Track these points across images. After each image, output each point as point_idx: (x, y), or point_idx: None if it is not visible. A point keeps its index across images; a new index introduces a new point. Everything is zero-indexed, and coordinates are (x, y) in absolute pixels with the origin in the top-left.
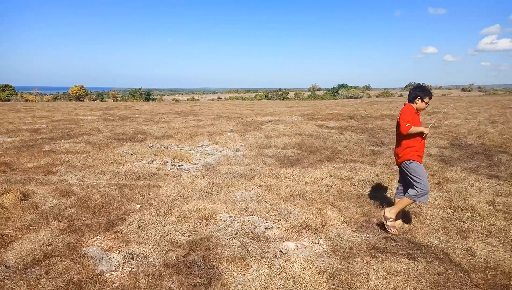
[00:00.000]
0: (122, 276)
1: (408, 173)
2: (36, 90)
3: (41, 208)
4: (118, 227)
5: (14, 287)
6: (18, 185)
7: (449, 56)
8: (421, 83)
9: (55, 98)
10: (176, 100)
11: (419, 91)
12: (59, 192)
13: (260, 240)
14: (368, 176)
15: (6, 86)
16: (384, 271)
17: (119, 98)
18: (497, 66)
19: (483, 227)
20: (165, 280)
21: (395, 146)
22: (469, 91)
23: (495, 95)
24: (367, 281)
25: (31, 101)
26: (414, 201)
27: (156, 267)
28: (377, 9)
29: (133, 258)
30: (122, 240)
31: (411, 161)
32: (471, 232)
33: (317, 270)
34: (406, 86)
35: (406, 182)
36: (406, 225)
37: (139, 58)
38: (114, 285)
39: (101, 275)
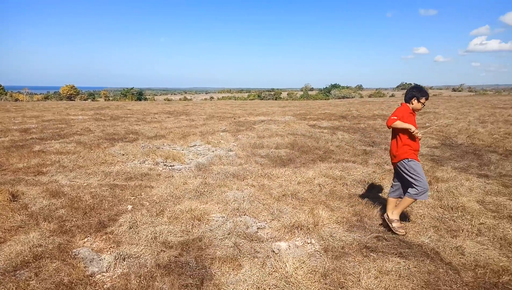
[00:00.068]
0: (113, 277)
1: (406, 172)
2: (26, 90)
3: (31, 209)
4: (109, 228)
5: None
6: (8, 186)
7: (440, 56)
8: (413, 84)
9: (46, 98)
10: (169, 100)
11: (415, 92)
12: (50, 192)
13: (252, 240)
14: (360, 175)
15: None
16: (375, 270)
17: (110, 98)
18: (487, 67)
19: (473, 226)
20: (157, 281)
21: (390, 146)
22: (460, 91)
23: (485, 95)
24: (359, 280)
25: (21, 100)
26: (415, 200)
27: (147, 268)
28: (369, 10)
29: (124, 259)
30: (113, 241)
31: (409, 159)
32: (461, 231)
33: (309, 270)
34: (397, 86)
35: (404, 182)
36: None
37: (131, 58)
38: (105, 286)
39: (92, 277)
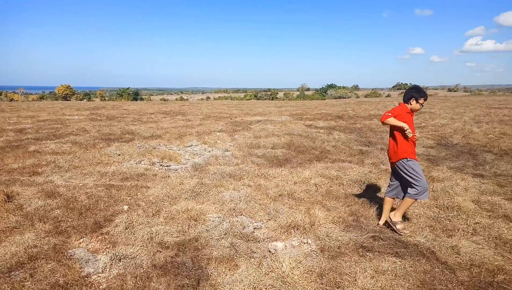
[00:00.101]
0: (109, 278)
1: (405, 172)
2: (21, 90)
3: (26, 209)
4: (105, 229)
5: None
6: (2, 187)
7: (435, 56)
8: (409, 84)
9: (41, 98)
10: (165, 100)
11: (414, 92)
12: (45, 193)
13: (249, 240)
14: (356, 175)
15: None
16: (372, 270)
17: (106, 98)
18: (482, 67)
19: (469, 225)
20: (153, 282)
21: (388, 146)
22: (455, 91)
23: (480, 96)
24: (355, 280)
25: (16, 100)
26: (416, 199)
27: (143, 268)
28: (365, 10)
29: (120, 259)
30: (109, 241)
31: (408, 159)
32: (456, 231)
33: (305, 270)
34: (393, 87)
35: (403, 181)
36: None
37: (127, 57)
38: (101, 287)
39: (87, 277)
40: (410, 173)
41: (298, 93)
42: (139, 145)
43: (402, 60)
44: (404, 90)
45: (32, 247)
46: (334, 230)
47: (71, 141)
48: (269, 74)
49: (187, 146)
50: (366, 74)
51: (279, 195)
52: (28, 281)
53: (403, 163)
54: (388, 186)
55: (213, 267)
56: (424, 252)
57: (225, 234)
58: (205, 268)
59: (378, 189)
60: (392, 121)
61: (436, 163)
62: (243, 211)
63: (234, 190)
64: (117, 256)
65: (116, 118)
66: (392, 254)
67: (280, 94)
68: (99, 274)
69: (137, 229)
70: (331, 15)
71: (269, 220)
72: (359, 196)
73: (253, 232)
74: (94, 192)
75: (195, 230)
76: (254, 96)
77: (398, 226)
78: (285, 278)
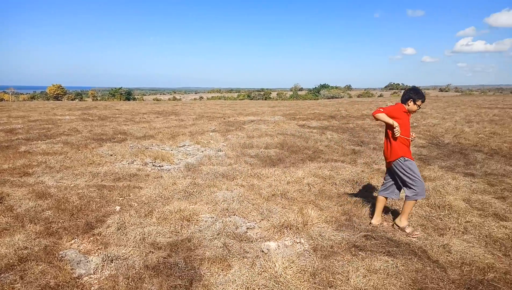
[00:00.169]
0: (101, 279)
1: (402, 172)
2: (11, 90)
3: (16, 211)
4: (97, 229)
5: None
6: None
7: (427, 57)
8: (401, 84)
9: (32, 98)
10: (158, 100)
11: (412, 94)
12: (36, 194)
13: (241, 240)
14: (348, 175)
15: None
16: (364, 269)
17: (98, 98)
18: (473, 67)
19: (460, 224)
20: (145, 283)
21: (384, 146)
22: (447, 91)
23: (471, 96)
24: (348, 279)
25: (6, 100)
26: (416, 200)
27: (136, 269)
28: (357, 10)
29: (112, 260)
30: (101, 242)
31: (406, 159)
32: (448, 229)
33: (298, 269)
34: (386, 87)
35: (399, 181)
36: (385, 223)
37: (119, 57)
38: (92, 288)
39: (79, 279)
40: (407, 173)
41: (291, 93)
42: (131, 145)
43: (394, 60)
44: (396, 90)
45: (22, 249)
46: (327, 229)
47: (62, 142)
48: (262, 74)
49: (180, 146)
50: (359, 74)
51: (272, 195)
52: (18, 283)
53: (400, 163)
54: (383, 184)
55: (206, 268)
56: (416, 251)
57: (218, 234)
58: (198, 269)
59: (370, 188)
60: (383, 116)
61: (428, 162)
62: (236, 211)
63: (227, 190)
64: (109, 257)
65: (108, 118)
66: (384, 253)
67: (273, 94)
68: (91, 276)
69: (129, 229)
70: (323, 16)
71: (262, 220)
72: (351, 195)
73: (246, 232)
74: (85, 192)
75: (188, 231)
76: (248, 96)
77: (408, 230)
78: (278, 278)
